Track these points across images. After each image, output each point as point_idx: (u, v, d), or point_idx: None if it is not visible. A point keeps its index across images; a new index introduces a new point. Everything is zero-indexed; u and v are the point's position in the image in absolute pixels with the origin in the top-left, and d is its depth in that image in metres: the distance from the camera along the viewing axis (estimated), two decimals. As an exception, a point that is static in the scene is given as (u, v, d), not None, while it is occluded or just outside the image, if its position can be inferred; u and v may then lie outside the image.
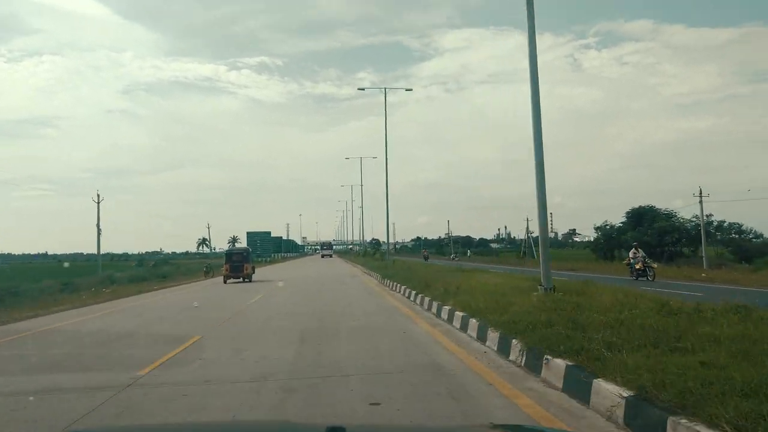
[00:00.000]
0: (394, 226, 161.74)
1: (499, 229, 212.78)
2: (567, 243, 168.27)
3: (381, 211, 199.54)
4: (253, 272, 30.62)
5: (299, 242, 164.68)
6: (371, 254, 62.89)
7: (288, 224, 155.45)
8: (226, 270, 28.93)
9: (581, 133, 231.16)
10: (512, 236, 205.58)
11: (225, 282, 28.64)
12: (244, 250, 31.62)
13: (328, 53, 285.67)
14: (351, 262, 62.77)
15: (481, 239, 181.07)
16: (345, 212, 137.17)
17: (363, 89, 57.07)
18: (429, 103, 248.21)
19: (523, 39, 12.22)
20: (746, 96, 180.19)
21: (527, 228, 77.34)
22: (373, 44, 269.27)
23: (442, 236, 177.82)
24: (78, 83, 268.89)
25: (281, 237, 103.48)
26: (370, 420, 4.79)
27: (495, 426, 2.50)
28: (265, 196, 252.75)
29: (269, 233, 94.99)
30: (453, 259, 59.15)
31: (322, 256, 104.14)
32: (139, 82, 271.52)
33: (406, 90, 47.63)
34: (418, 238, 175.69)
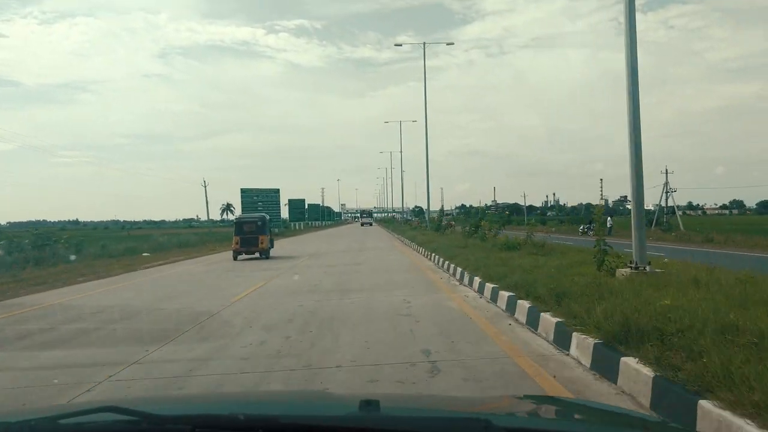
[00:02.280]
0: (442, 191, 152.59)
1: (547, 196, 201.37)
2: (617, 210, 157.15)
3: (422, 178, 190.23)
4: (272, 246, 24.04)
5: (337, 209, 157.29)
6: (422, 226, 47.59)
7: (323, 189, 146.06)
8: (236, 244, 22.40)
9: (624, 100, 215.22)
10: (561, 203, 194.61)
11: (235, 258, 22.38)
12: (259, 218, 23.62)
13: (368, 16, 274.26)
14: (395, 235, 47.13)
15: (530, 206, 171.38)
16: (385, 179, 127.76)
17: (400, 45, 55.22)
18: (470, 68, 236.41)
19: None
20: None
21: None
22: (414, 6, 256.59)
23: (488, 203, 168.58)
24: (113, 46, 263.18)
25: (302, 201, 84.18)
26: None
27: (527, 396, 2.61)
28: (304, 163, 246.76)
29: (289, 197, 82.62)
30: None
31: (362, 224, 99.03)
32: (175, 45, 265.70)
33: (447, 44, 49.17)
34: (463, 206, 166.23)
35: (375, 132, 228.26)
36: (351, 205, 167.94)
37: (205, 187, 56.26)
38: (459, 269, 13.65)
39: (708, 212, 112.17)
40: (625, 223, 52.95)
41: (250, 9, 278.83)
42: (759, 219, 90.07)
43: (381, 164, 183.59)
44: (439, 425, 1.52)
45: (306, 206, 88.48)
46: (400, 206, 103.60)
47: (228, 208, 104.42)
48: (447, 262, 15.79)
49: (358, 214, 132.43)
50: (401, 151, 71.91)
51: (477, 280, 11.19)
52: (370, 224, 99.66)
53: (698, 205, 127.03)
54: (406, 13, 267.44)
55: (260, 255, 22.53)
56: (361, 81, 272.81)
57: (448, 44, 50.47)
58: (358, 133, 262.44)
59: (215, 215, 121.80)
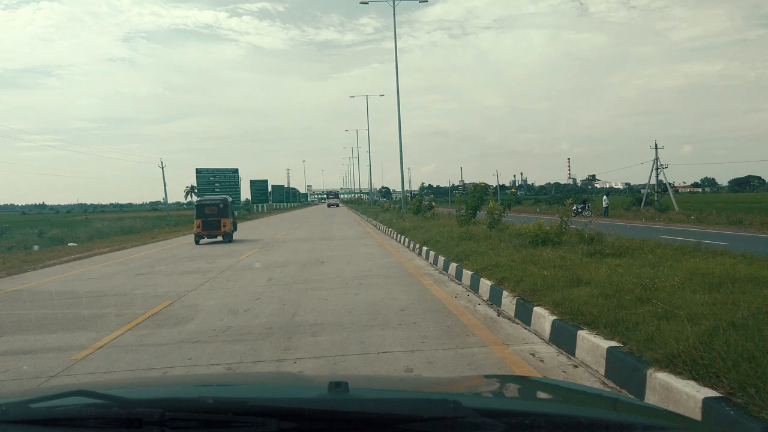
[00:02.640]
0: (410, 171, 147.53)
1: (514, 176, 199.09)
2: (587, 189, 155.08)
3: (388, 160, 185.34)
4: (234, 228, 23.29)
5: (303, 191, 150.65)
6: (395, 208, 43.31)
7: (288, 170, 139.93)
8: (198, 227, 21.81)
9: (586, 80, 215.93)
10: (529, 183, 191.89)
11: (197, 242, 21.89)
12: (221, 200, 22.39)
13: None
14: (366, 218, 41.51)
15: (501, 185, 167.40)
16: (351, 159, 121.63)
17: (366, 2, 39.06)
18: (433, 50, 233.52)
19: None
20: (755, 40, 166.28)
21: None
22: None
23: (456, 183, 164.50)
24: (77, 30, 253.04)
25: (264, 181, 77.62)
26: None
27: (495, 376, 2.65)
28: (269, 146, 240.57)
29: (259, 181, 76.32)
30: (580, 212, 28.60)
31: (328, 206, 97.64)
32: (138, 29, 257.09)
33: (420, 1, 37.02)
34: (429, 186, 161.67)
35: (340, 113, 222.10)
36: (317, 186, 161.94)
37: (163, 168, 51.54)
38: (508, 294, 7.17)
39: (680, 191, 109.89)
40: (616, 203, 49.08)
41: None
42: (735, 197, 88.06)
43: (347, 145, 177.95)
44: (408, 406, 1.48)
45: (269, 188, 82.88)
46: (368, 187, 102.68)
47: (192, 190, 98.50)
48: (469, 272, 9.30)
49: (325, 196, 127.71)
50: (368, 129, 75.30)
51: (585, 335, 4.83)
52: (337, 205, 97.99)
53: (671, 183, 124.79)
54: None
55: (223, 238, 21.91)
56: (325, 63, 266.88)
57: (421, 1, 41.30)
58: (324, 114, 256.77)
59: (180, 197, 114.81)
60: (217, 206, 21.71)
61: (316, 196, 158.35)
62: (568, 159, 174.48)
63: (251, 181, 74.43)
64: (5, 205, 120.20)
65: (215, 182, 50.61)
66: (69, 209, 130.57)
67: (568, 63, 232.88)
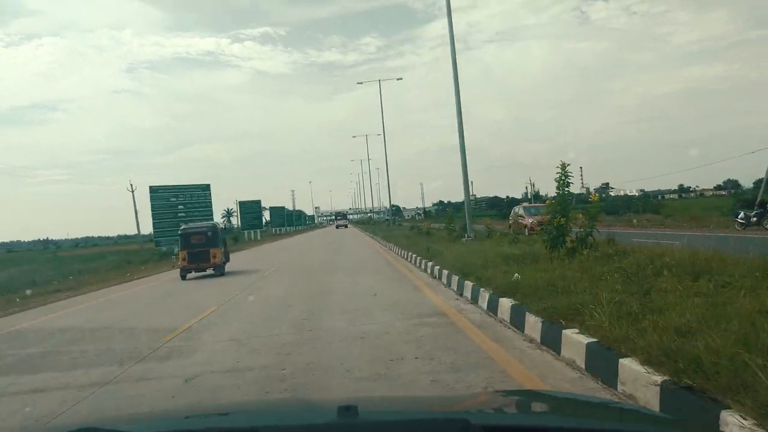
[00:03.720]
0: (422, 187, 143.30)
1: (526, 187, 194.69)
2: (600, 199, 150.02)
3: (398, 178, 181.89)
4: (227, 259, 20.53)
5: (310, 213, 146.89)
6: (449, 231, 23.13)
7: (293, 191, 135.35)
8: (183, 259, 19.28)
9: (590, 88, 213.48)
10: (541, 194, 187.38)
11: (183, 277, 19.13)
12: (209, 227, 20.00)
13: (331, 20, 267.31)
14: (383, 244, 30.48)
15: (511, 198, 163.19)
16: (360, 178, 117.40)
17: (361, 83, 53.95)
18: (436, 66, 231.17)
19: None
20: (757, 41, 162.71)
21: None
22: (375, 8, 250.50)
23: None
24: (80, 64, 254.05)
25: (257, 202, 66.12)
26: None
27: (505, 391, 2.73)
28: (275, 169, 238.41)
29: (258, 202, 66.93)
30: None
31: (337, 227, 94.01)
32: (141, 60, 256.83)
33: (397, 79, 51.39)
34: (440, 202, 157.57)
35: (346, 134, 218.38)
36: (326, 207, 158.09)
37: (133, 192, 43.09)
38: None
39: (706, 195, 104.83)
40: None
41: (214, 19, 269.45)
42: None
43: (354, 166, 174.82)
44: (416, 428, 1.48)
45: (264, 210, 76.24)
46: (377, 206, 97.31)
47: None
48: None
49: (333, 217, 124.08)
50: (369, 159, 75.38)
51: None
52: (345, 226, 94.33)
53: (690, 188, 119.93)
54: (368, 15, 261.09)
55: (214, 271, 19.22)
56: (328, 84, 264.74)
57: (398, 79, 45.35)
58: (329, 136, 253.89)
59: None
60: (205, 234, 19.22)
61: (324, 218, 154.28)
62: (581, 168, 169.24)
63: (239, 203, 64.18)
64: (12, 242, 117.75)
65: (177, 203, 37.63)
66: (76, 243, 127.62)
67: (569, 72, 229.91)
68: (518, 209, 26.82)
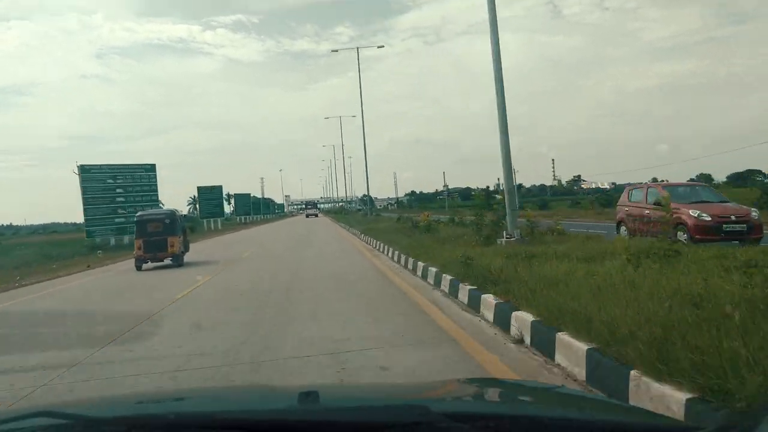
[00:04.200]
0: (395, 176, 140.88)
1: (498, 179, 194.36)
2: (572, 191, 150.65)
3: (370, 168, 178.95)
4: (186, 249, 19.26)
5: (280, 201, 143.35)
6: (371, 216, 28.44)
7: (262, 178, 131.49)
8: (139, 248, 17.70)
9: (563, 82, 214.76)
10: (523, 186, 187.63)
11: (139, 268, 17.59)
12: (167, 214, 19.03)
13: (304, 9, 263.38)
14: (360, 238, 25.49)
15: (484, 189, 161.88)
16: (331, 167, 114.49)
17: (336, 51, 53.53)
18: (409, 57, 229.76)
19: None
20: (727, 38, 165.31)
21: None
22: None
23: (439, 189, 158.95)
24: (50, 48, 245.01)
25: (218, 188, 59.04)
26: None
27: (471, 379, 2.62)
28: (246, 157, 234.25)
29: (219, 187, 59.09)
30: None
31: (307, 216, 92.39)
32: (112, 45, 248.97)
33: (378, 47, 46.65)
34: (413, 192, 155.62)
35: (318, 123, 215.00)
36: (296, 196, 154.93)
37: (80, 175, 32.25)
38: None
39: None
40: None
41: (186, 6, 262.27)
42: (736, 192, 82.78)
43: (325, 156, 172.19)
44: (377, 414, 1.45)
45: (227, 197, 71.09)
46: (349, 195, 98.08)
47: (194, 203, 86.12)
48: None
49: (303, 206, 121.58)
50: (342, 144, 69.87)
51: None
52: (316, 215, 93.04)
53: (663, 181, 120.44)
54: (342, 5, 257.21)
55: (172, 261, 17.99)
56: (302, 73, 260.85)
57: (378, 47, 47.60)
58: (302, 125, 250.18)
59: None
60: (162, 222, 18.20)
61: (294, 207, 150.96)
62: (552, 160, 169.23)
63: (198, 188, 57.55)
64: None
65: (116, 186, 32.03)
66: (34, 230, 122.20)
67: (543, 66, 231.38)
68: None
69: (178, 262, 18.02)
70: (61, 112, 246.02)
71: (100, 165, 33.00)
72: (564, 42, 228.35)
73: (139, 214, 19.43)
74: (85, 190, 31.78)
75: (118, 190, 32.45)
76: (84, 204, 31.24)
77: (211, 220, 47.62)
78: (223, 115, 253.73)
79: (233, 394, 2.25)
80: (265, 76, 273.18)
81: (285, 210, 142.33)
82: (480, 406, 1.68)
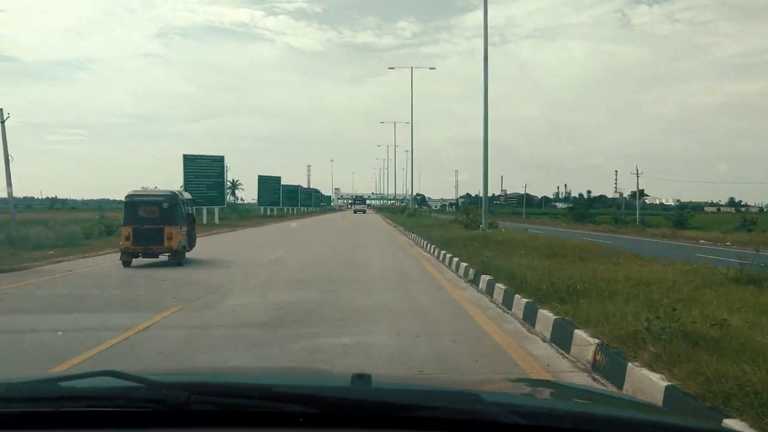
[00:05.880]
0: (456, 174, 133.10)
1: (558, 188, 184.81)
2: (632, 205, 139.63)
3: (424, 167, 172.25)
4: (190, 245, 15.11)
5: (328, 193, 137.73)
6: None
7: (309, 166, 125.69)
8: (126, 239, 13.88)
9: (627, 94, 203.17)
10: (572, 195, 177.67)
11: (127, 264, 13.87)
12: (166, 196, 14.30)
13: (368, 0, 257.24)
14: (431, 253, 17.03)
15: (544, 197, 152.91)
16: (387, 160, 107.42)
17: (393, 68, 51.42)
18: (471, 57, 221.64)
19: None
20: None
21: None
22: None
23: (497, 193, 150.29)
24: (111, 25, 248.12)
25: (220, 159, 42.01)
26: None
27: (522, 379, 2.73)
28: (300, 148, 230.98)
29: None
30: None
31: (355, 212, 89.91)
32: (173, 25, 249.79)
33: (430, 69, 48.16)
34: (468, 195, 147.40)
35: (374, 118, 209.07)
36: (347, 190, 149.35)
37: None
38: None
39: (752, 211, 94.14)
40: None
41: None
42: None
43: (380, 151, 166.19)
44: (428, 398, 1.46)
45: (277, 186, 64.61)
46: (401, 193, 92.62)
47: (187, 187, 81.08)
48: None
49: (352, 200, 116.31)
50: (395, 146, 65.80)
51: None
52: (363, 211, 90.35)
53: (740, 201, 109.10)
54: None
55: (169, 258, 14.00)
56: (361, 66, 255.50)
57: (430, 69, 46.82)
58: (357, 119, 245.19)
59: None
60: (159, 205, 14.22)
61: (343, 200, 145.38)
62: (616, 172, 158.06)
63: (259, 177, 60.74)
64: (26, 197, 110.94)
65: (202, 175, 37.24)
66: (76, 206, 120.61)
67: (607, 76, 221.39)
68: None
69: (176, 260, 14.17)
70: (119, 90, 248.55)
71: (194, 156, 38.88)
72: (631, 52, 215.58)
73: (129, 193, 14.80)
74: (186, 174, 36.87)
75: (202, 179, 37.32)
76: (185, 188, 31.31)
77: (215, 209, 39.23)
78: (279, 104, 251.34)
79: (290, 372, 2.54)
80: (324, 66, 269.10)
81: (331, 203, 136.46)
82: (531, 400, 1.68)
